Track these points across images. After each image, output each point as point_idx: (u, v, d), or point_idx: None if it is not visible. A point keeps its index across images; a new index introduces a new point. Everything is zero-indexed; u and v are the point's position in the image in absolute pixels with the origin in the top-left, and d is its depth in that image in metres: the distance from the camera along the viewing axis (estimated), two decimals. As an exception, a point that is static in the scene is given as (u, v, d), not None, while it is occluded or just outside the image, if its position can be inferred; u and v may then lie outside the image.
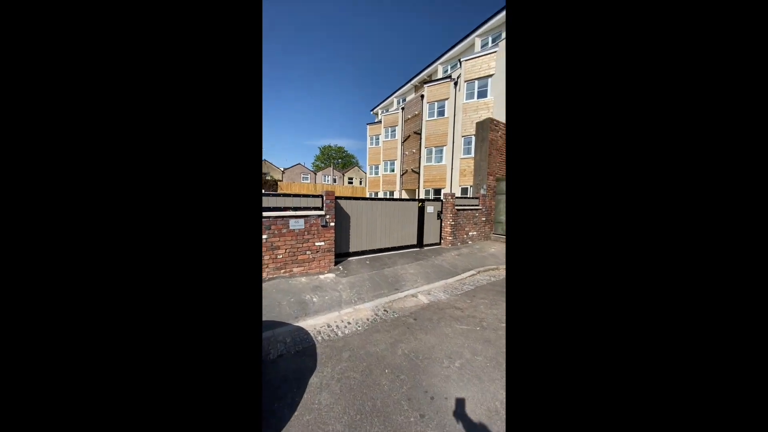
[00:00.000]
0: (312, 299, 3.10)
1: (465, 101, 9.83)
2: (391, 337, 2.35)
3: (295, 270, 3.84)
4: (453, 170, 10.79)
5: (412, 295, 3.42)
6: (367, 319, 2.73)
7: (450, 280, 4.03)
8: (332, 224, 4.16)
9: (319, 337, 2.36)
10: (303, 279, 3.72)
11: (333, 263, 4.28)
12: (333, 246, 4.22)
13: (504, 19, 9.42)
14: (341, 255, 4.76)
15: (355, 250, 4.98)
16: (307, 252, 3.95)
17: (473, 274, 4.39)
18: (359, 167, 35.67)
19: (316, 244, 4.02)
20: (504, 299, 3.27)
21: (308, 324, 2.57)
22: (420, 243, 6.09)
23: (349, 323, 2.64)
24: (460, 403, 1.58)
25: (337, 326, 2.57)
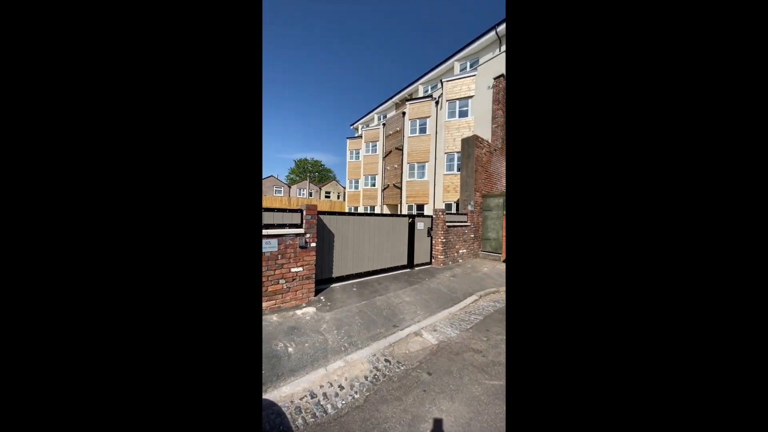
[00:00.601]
0: (287, 349, 2.28)
1: (447, 119, 10.06)
2: (404, 411, 1.67)
3: (264, 305, 2.97)
4: (436, 186, 10.75)
5: (416, 334, 2.78)
6: (366, 378, 2.01)
7: (453, 309, 3.48)
8: (313, 245, 3.43)
9: (299, 420, 1.58)
10: (274, 317, 2.86)
11: (313, 293, 3.48)
12: (313, 272, 3.45)
13: (480, 46, 10.11)
14: (323, 281, 3.97)
15: (339, 274, 4.23)
16: (281, 281, 3.12)
17: (476, 300, 3.92)
18: (337, 181, 34.93)
19: (293, 270, 3.23)
20: (520, 332, 2.81)
21: (282, 394, 1.77)
22: (411, 263, 5.53)
23: (341, 387, 1.90)
24: None
25: (324, 395, 1.81)
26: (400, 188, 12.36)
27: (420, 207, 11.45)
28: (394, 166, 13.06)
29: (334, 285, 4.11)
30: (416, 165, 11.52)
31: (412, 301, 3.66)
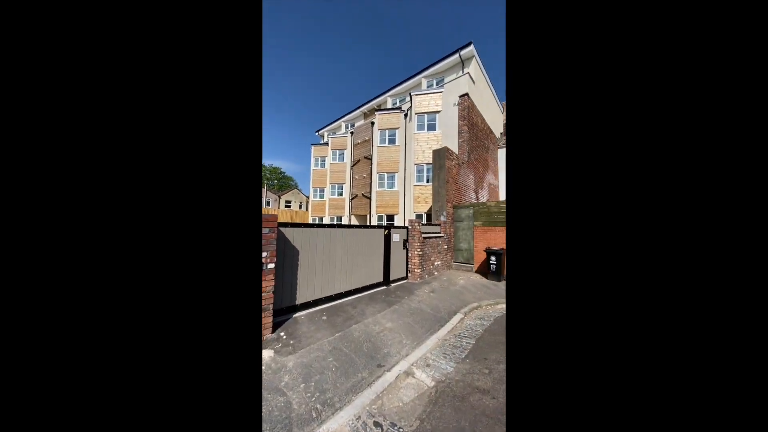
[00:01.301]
0: (226, 431, 1.50)
1: (416, 131, 10.22)
2: None
3: (193, 358, 2.08)
4: (406, 196, 10.67)
5: (407, 373, 2.25)
6: (351, 464, 1.40)
7: (441, 333, 3.08)
8: (271, 266, 2.68)
9: None
10: (210, 375, 1.99)
11: (270, 329, 2.68)
12: (271, 301, 2.68)
13: (445, 66, 10.74)
14: (283, 311, 3.17)
15: (305, 300, 3.47)
16: (224, 319, 2.28)
17: (462, 319, 3.60)
18: (299, 190, 32.81)
19: (242, 301, 2.41)
20: (517, 356, 2.54)
21: None
22: (387, 280, 5.04)
23: (314, 493, 1.25)
24: None
25: None
26: (370, 198, 11.96)
27: (390, 217, 11.18)
28: (363, 175, 12.67)
29: (298, 314, 3.33)
30: (386, 175, 11.33)
31: (395, 327, 3.14)
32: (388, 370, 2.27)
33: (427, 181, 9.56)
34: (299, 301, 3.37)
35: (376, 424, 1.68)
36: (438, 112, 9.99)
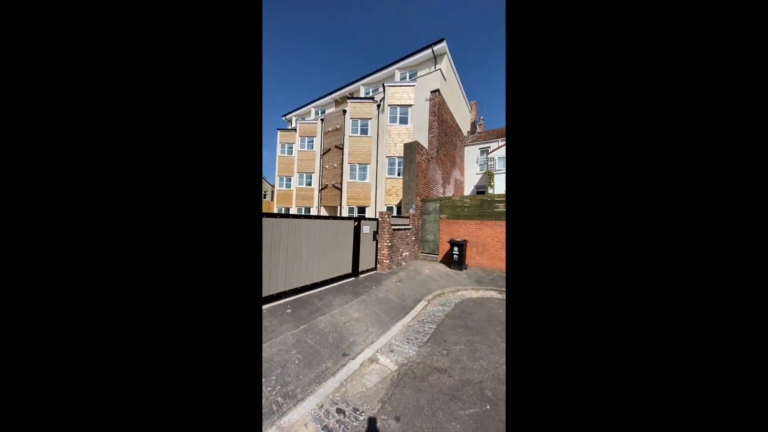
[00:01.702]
0: None
1: (388, 124, 10.18)
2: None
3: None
4: (377, 189, 10.67)
5: (371, 360, 2.32)
6: (311, 451, 1.40)
7: (406, 320, 3.23)
8: (228, 258, 2.45)
9: None
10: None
11: (227, 326, 2.48)
12: (228, 296, 2.47)
13: (419, 60, 10.78)
14: (243, 306, 2.95)
15: (267, 293, 3.29)
16: (168, 317, 2.03)
17: (425, 306, 3.82)
18: (263, 178, 30.37)
19: (192, 297, 2.18)
20: (474, 333, 2.80)
21: None
22: (356, 271, 5.04)
23: (271, 485, 1.23)
24: None
25: None
26: (341, 189, 11.67)
27: (361, 209, 11.11)
28: (334, 165, 12.26)
29: (262, 308, 3.14)
30: (358, 166, 11.14)
31: (362, 317, 3.19)
32: (353, 358, 2.30)
33: (399, 175, 9.68)
34: (262, 294, 3.19)
35: (339, 410, 1.70)
36: (410, 105, 10.06)
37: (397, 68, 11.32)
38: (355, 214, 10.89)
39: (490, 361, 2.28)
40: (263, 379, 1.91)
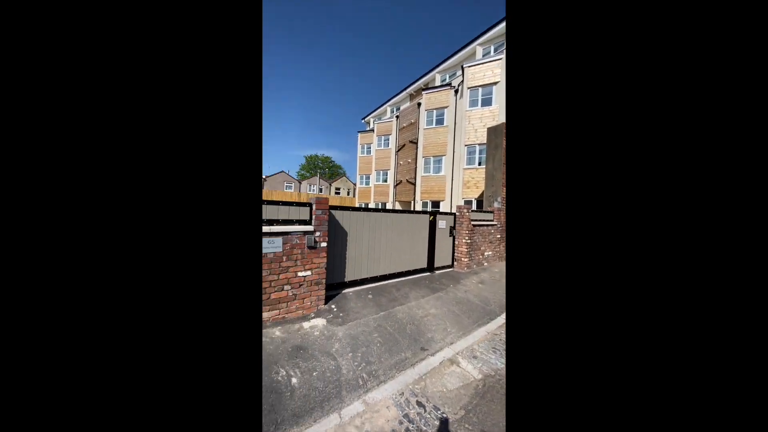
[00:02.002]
0: (290, 380, 1.77)
1: (468, 109, 9.26)
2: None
3: (265, 316, 2.48)
4: (454, 181, 10.01)
5: (451, 361, 2.19)
6: (394, 434, 1.46)
7: (491, 327, 2.86)
8: (323, 244, 2.90)
9: None
10: (277, 332, 2.36)
11: (323, 301, 2.97)
12: (324, 276, 2.93)
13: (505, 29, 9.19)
14: (333, 286, 3.45)
15: (352, 278, 3.70)
16: (286, 287, 2.62)
17: (515, 314, 3.26)
18: (347, 178, 34.61)
19: (300, 274, 2.72)
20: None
21: (278, 461, 1.24)
22: (431, 266, 4.93)
23: (361, 450, 1.35)
24: None
25: (338, 464, 1.27)
26: (414, 184, 11.70)
27: (435, 204, 10.77)
28: (408, 160, 12.40)
29: (346, 291, 3.59)
30: (432, 159, 10.80)
31: (440, 314, 3.07)
32: (432, 355, 2.25)
33: (479, 164, 8.70)
34: (347, 278, 3.62)
35: (419, 403, 1.70)
36: (495, 83, 8.75)
37: (479, 44, 10.07)
38: (429, 209, 10.67)
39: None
40: (350, 354, 2.15)
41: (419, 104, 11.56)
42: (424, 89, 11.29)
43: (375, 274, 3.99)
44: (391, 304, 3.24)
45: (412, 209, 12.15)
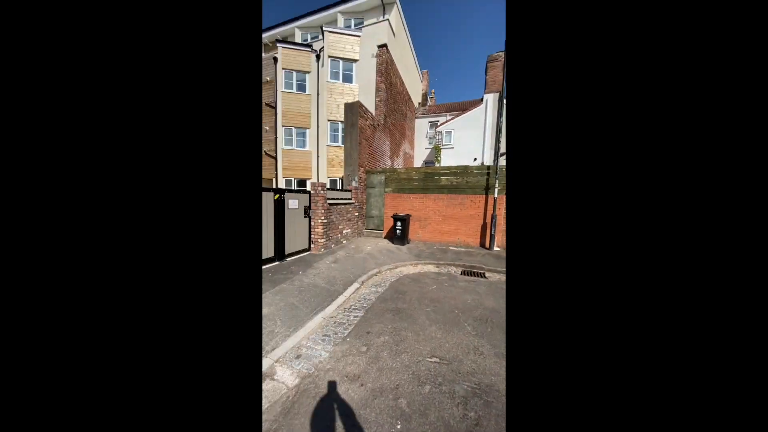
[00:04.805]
0: None
1: (329, 80, 8.68)
2: None
3: None
4: (320, 158, 9.41)
5: (264, 375, 1.73)
6: None
7: (329, 310, 2.71)
8: None
9: None
10: None
11: None
12: None
13: (366, 5, 9.20)
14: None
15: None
16: None
17: (357, 288, 3.38)
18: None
19: None
20: (402, 318, 2.49)
21: None
22: (280, 254, 4.22)
23: None
24: None
25: None
26: (275, 157, 9.91)
27: (301, 183, 9.77)
28: (266, 128, 10.19)
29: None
30: (294, 130, 9.48)
31: (271, 314, 2.52)
32: (236, 380, 1.66)
33: (342, 142, 8.62)
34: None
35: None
36: (355, 60, 8.71)
37: (340, 11, 9.50)
38: (294, 188, 9.54)
39: (414, 354, 1.98)
40: None
41: (275, 59, 9.48)
42: (280, 42, 9.28)
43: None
44: (195, 320, 2.25)
45: (274, 188, 10.37)
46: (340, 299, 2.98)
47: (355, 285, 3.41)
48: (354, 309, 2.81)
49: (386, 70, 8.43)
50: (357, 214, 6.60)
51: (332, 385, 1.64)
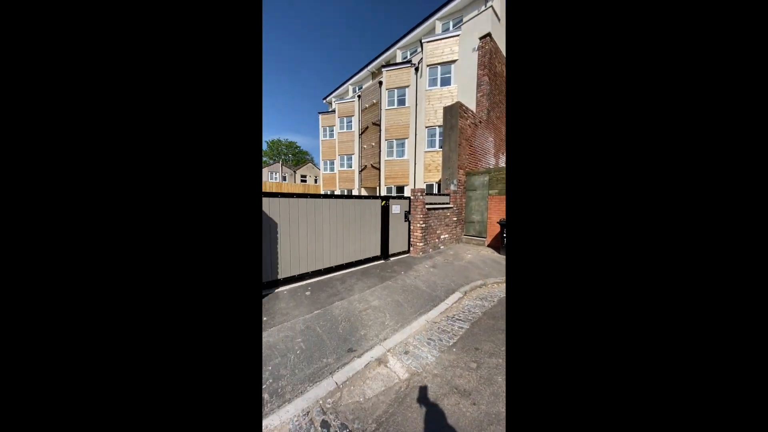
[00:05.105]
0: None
1: (428, 88, 8.91)
2: None
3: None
4: (416, 165, 9.82)
5: (379, 361, 1.97)
6: (279, 474, 1.16)
7: (432, 315, 2.72)
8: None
9: None
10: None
11: (243, 306, 2.51)
12: (241, 277, 2.46)
13: (464, 2, 8.81)
14: (264, 286, 3.00)
15: (288, 275, 3.27)
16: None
17: (460, 298, 3.20)
18: (314, 164, 32.69)
19: (203, 277, 2.21)
20: (518, 346, 2.11)
21: None
22: (385, 254, 4.71)
23: None
24: None
25: None
26: (379, 169, 11.30)
27: (400, 189, 10.56)
28: (372, 144, 11.85)
29: (280, 289, 3.16)
30: (395, 142, 10.42)
31: (381, 306, 2.84)
32: (359, 356, 1.99)
33: (439, 147, 8.56)
34: (282, 275, 3.19)
35: (325, 423, 1.42)
36: (453, 61, 8.47)
37: (438, 18, 9.60)
38: (394, 194, 10.44)
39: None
40: (263, 369, 1.79)
41: (380, 83, 10.89)
42: (384, 66, 10.59)
43: (318, 268, 3.61)
44: (330, 300, 2.92)
45: (378, 195, 11.85)
46: (442, 306, 2.92)
47: (458, 294, 3.25)
48: (458, 319, 2.67)
49: (490, 60, 7.64)
50: (455, 219, 6.30)
51: (441, 392, 1.63)
